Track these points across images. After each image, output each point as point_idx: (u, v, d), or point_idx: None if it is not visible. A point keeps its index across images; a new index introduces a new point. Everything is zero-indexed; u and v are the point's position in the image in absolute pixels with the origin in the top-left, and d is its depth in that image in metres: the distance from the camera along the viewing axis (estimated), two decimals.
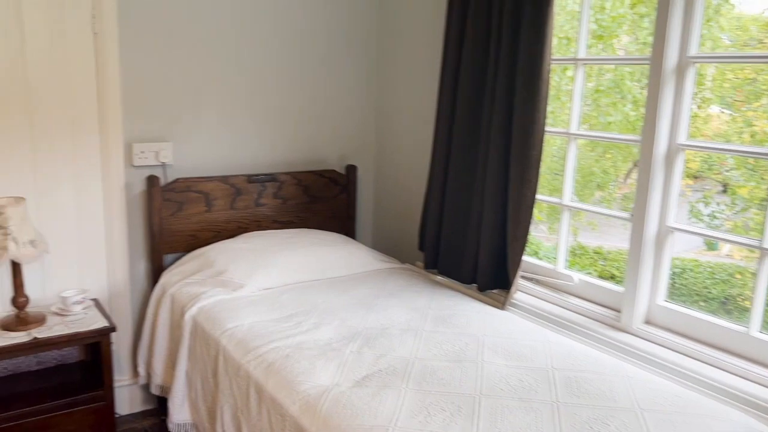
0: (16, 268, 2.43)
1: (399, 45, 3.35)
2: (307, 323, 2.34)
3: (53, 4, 2.55)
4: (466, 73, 2.69)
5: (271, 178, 3.18)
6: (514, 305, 2.63)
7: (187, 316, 2.49)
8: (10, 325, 2.45)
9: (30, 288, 2.56)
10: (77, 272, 2.79)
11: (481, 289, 2.72)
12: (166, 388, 2.69)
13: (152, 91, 2.86)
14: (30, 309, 2.53)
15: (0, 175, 2.56)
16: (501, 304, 2.63)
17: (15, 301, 2.47)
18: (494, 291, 2.73)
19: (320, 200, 3.36)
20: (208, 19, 2.94)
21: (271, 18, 3.11)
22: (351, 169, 3.42)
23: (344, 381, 1.93)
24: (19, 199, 2.41)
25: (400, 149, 3.42)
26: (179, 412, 2.50)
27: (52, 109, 2.63)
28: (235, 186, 3.08)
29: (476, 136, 2.72)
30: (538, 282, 2.73)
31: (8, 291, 2.56)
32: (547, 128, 2.45)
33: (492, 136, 2.59)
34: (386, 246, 3.56)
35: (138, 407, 3.03)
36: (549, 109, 2.44)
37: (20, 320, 2.47)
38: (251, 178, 3.12)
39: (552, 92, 2.51)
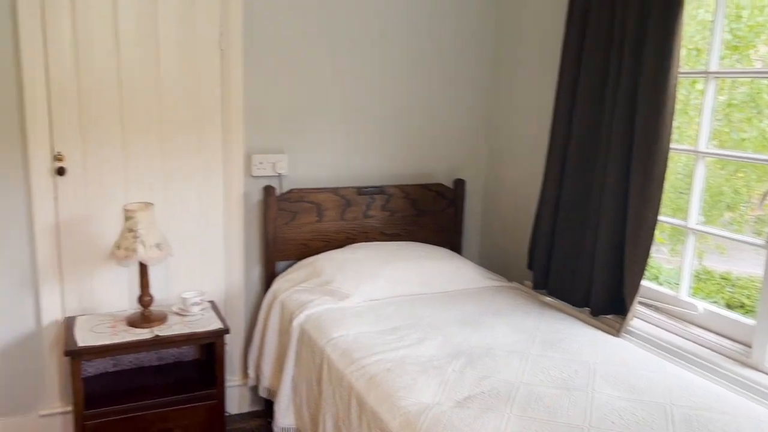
0: (143, 269, 2.61)
1: (514, 59, 3.28)
2: (411, 337, 2.33)
3: (185, 22, 2.73)
4: (585, 87, 2.58)
5: (379, 190, 3.21)
6: (630, 333, 2.48)
7: (295, 323, 2.56)
8: (135, 322, 2.63)
9: (154, 288, 2.74)
10: (197, 275, 2.95)
11: (594, 313, 2.59)
12: (273, 392, 2.77)
13: (271, 104, 2.98)
14: (153, 308, 2.70)
15: (132, 182, 2.76)
16: (615, 331, 2.49)
17: (141, 300, 2.65)
18: (608, 316, 2.59)
19: (427, 214, 3.35)
20: (324, 38, 3.03)
21: (385, 34, 3.15)
22: (459, 183, 3.38)
23: (445, 400, 1.90)
24: (148, 205, 2.58)
25: (511, 164, 3.34)
26: (284, 416, 2.57)
27: (180, 121, 2.80)
28: (345, 197, 3.14)
29: (594, 152, 2.60)
30: (657, 309, 2.56)
31: (135, 290, 2.76)
32: (672, 145, 2.29)
33: (611, 152, 2.46)
34: (493, 263, 3.48)
35: (246, 408, 3.15)
36: (675, 124, 2.29)
37: (144, 318, 2.64)
38: (361, 190, 3.17)
39: (678, 106, 2.35)
